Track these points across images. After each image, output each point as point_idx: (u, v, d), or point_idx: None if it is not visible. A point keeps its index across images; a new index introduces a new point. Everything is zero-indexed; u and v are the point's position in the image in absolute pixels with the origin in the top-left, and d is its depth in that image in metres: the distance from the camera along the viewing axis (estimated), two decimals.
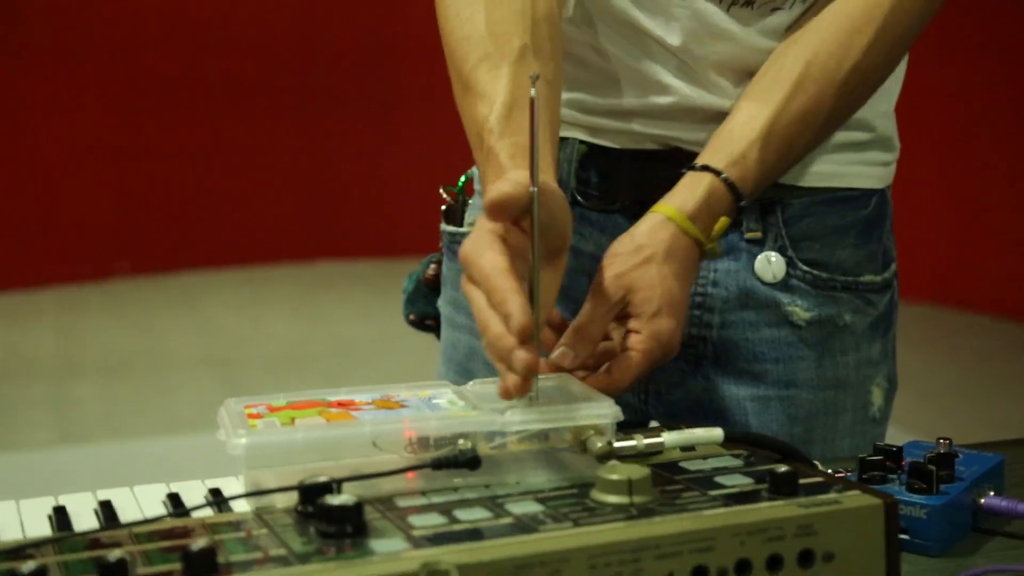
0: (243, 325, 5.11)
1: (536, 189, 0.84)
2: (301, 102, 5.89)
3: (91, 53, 5.52)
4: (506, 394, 0.82)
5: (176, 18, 5.67)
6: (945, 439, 0.87)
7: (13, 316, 5.15)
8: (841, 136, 1.11)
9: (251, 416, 0.81)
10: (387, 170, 5.99)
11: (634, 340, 0.95)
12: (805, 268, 1.11)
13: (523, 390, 0.82)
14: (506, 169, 0.90)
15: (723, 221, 1.01)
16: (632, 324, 0.96)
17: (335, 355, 4.66)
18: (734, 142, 1.01)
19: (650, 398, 1.15)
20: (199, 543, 0.64)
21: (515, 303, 0.80)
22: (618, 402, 1.15)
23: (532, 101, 0.83)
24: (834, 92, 1.03)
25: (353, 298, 5.49)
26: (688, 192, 1.00)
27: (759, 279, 1.11)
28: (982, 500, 0.84)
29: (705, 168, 1.01)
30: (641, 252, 0.97)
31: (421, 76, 5.73)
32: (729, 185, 1.00)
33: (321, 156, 5.97)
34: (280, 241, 5.97)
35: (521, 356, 0.80)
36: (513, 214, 0.84)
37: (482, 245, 0.84)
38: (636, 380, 0.94)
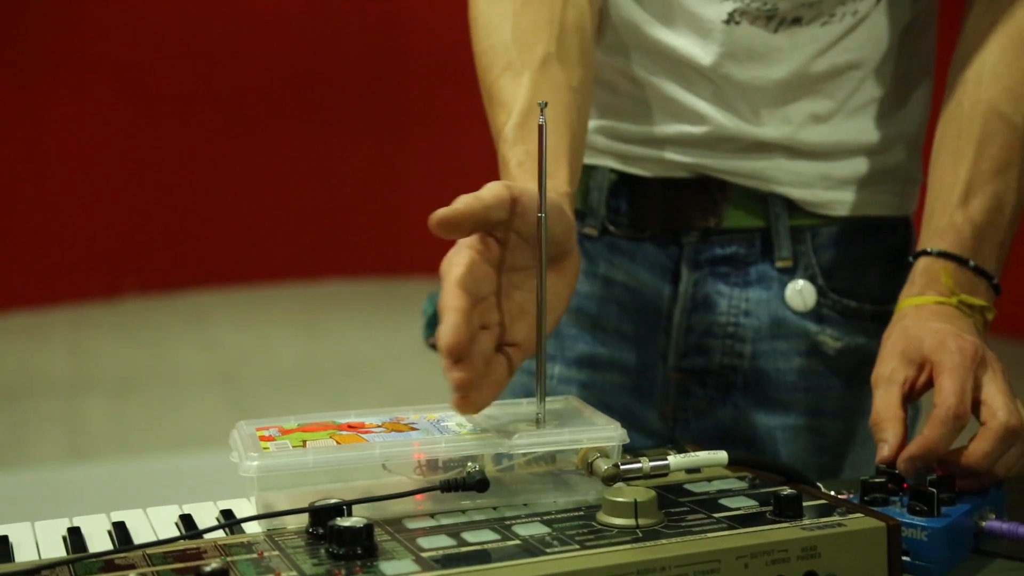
0: (250, 343, 5.12)
1: (544, 215, 0.84)
2: (308, 121, 5.91)
3: (99, 72, 5.55)
4: (456, 409, 0.81)
5: (183, 37, 5.70)
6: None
7: (24, 334, 5.17)
8: (869, 164, 1.11)
9: (263, 439, 0.82)
10: (394, 189, 6.01)
11: (935, 375, 0.89)
12: (835, 297, 1.11)
13: (463, 407, 0.80)
14: (514, 178, 0.90)
15: (944, 270, 0.96)
16: (932, 373, 0.90)
17: (342, 373, 4.67)
18: (937, 218, 0.99)
19: (678, 426, 1.15)
20: (212, 564, 0.65)
21: (447, 321, 0.78)
22: (645, 431, 1.14)
23: (540, 128, 0.84)
24: (1021, 135, 1.00)
25: (360, 316, 5.50)
26: (907, 285, 0.98)
27: (790, 308, 1.11)
28: (983, 522, 0.84)
29: (917, 256, 0.99)
30: (884, 336, 0.95)
31: (428, 94, 5.76)
32: (942, 255, 0.97)
33: (328, 174, 5.99)
34: (287, 259, 5.99)
35: (452, 375, 0.78)
36: (461, 231, 0.82)
37: (453, 259, 0.83)
38: (964, 393, 0.87)
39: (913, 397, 0.92)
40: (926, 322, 0.92)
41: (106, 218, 5.66)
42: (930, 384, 0.90)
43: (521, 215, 0.84)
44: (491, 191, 0.83)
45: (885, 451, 0.87)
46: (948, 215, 0.98)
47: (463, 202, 0.81)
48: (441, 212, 0.80)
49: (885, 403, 0.90)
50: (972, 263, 0.97)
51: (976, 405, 0.88)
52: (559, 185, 0.90)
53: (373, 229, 6.04)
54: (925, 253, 0.98)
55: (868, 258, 1.13)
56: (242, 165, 5.86)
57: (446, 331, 0.78)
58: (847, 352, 1.12)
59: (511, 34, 0.98)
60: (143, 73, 5.64)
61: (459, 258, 0.82)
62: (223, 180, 5.86)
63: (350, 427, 0.85)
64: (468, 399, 0.79)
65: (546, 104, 0.84)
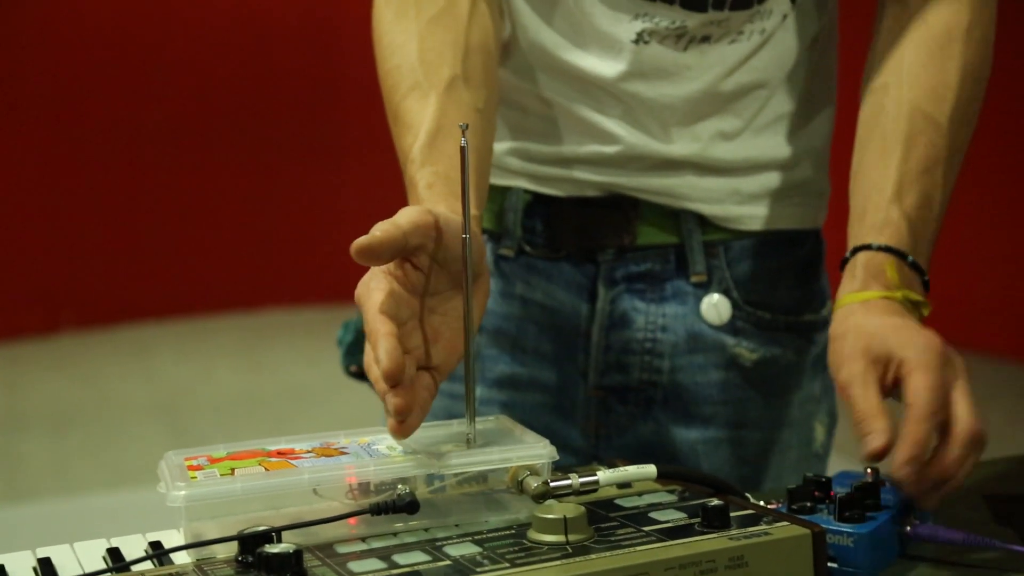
0: (190, 375, 5.07)
1: (468, 236, 0.85)
2: (245, 151, 5.88)
3: (32, 103, 5.48)
4: (392, 434, 0.81)
5: (116, 66, 5.65)
6: (873, 468, 0.89)
7: None
8: (778, 179, 1.13)
9: (191, 468, 0.82)
10: (332, 216, 5.98)
11: (904, 373, 0.86)
12: (750, 309, 1.13)
13: (400, 432, 0.81)
14: (423, 199, 0.90)
15: (889, 264, 0.95)
16: (898, 370, 0.87)
17: (285, 402, 4.63)
18: (872, 214, 0.98)
19: (600, 443, 1.15)
20: None
21: (383, 347, 0.78)
22: (568, 449, 1.15)
23: (463, 150, 0.85)
24: (944, 133, 1.00)
25: (300, 345, 5.46)
26: (848, 280, 0.96)
27: (706, 322, 1.12)
28: (908, 527, 0.86)
29: (856, 251, 0.97)
30: (836, 332, 0.92)
31: (365, 120, 5.74)
32: (884, 249, 0.96)
33: (266, 204, 5.95)
34: (226, 290, 5.94)
35: (391, 400, 0.79)
36: (382, 258, 0.82)
37: (370, 285, 0.83)
38: (940, 389, 0.85)
39: (885, 397, 0.88)
40: (879, 317, 0.91)
41: (41, 252, 5.58)
42: (896, 383, 0.87)
43: (437, 240, 0.84)
44: (408, 217, 0.83)
45: (877, 441, 0.83)
46: (883, 210, 0.97)
47: (382, 230, 0.81)
48: (361, 241, 0.80)
49: (866, 401, 0.86)
50: (911, 258, 0.96)
51: None
52: (447, 210, 0.90)
53: (313, 257, 6.00)
54: (866, 247, 0.96)
55: (780, 270, 1.15)
56: (179, 196, 5.81)
57: (384, 357, 0.78)
58: (763, 363, 1.14)
59: (417, 55, 0.98)
60: (77, 104, 5.57)
61: (377, 284, 0.82)
62: (159, 211, 5.80)
63: (280, 454, 0.85)
64: (406, 424, 0.80)
65: (467, 126, 0.85)
